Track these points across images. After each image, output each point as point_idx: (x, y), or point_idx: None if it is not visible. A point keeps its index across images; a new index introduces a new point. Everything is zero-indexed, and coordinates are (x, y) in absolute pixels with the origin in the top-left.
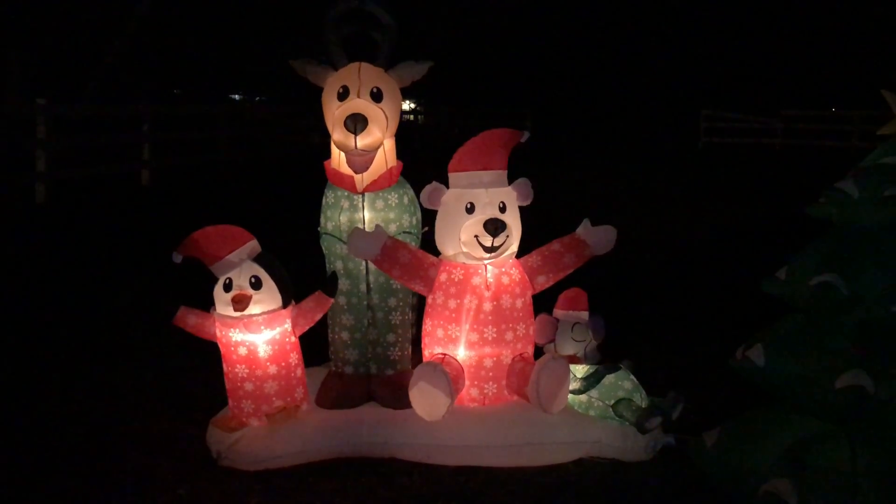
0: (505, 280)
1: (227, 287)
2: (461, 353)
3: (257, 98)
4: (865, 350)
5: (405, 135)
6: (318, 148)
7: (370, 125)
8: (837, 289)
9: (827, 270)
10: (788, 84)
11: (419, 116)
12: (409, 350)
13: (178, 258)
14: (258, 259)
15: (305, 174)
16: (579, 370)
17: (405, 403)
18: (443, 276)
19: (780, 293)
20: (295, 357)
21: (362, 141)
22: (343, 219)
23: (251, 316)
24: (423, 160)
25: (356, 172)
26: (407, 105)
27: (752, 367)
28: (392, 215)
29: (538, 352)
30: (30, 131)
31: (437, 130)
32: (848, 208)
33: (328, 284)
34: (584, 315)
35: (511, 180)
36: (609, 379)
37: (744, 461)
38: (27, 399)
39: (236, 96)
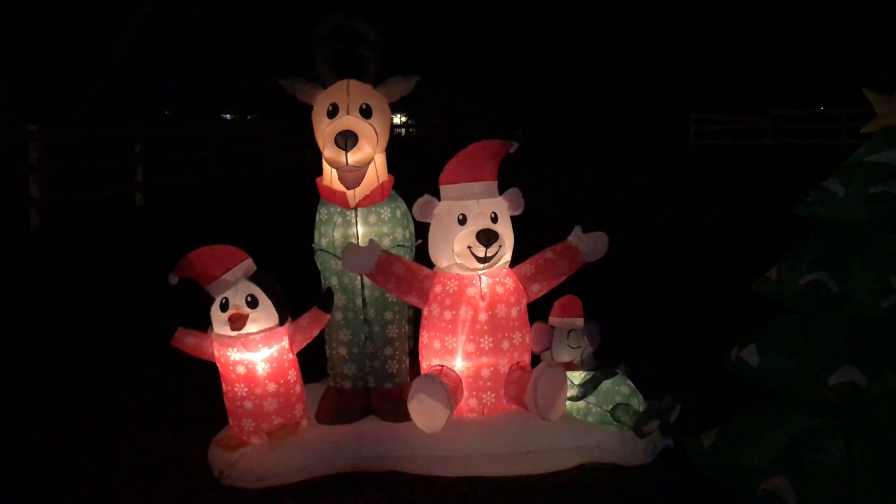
0: (499, 290)
1: (224, 307)
2: (458, 364)
3: (249, 116)
4: (857, 346)
5: (396, 148)
6: (310, 165)
7: (360, 141)
8: (828, 286)
9: (817, 269)
10: (777, 84)
11: (411, 130)
12: (407, 363)
13: (173, 279)
14: (254, 278)
15: (298, 191)
16: (576, 376)
17: (404, 416)
18: (437, 288)
19: (771, 293)
20: (293, 374)
21: (353, 157)
22: (337, 234)
23: (248, 335)
24: (415, 173)
25: (348, 188)
26: (398, 118)
27: (746, 367)
28: (385, 229)
29: (535, 360)
30: (22, 157)
31: (428, 143)
32: (835, 207)
33: (324, 300)
34: (580, 321)
35: (503, 189)
36: (606, 384)
37: (741, 461)
38: (27, 423)
39: (227, 115)
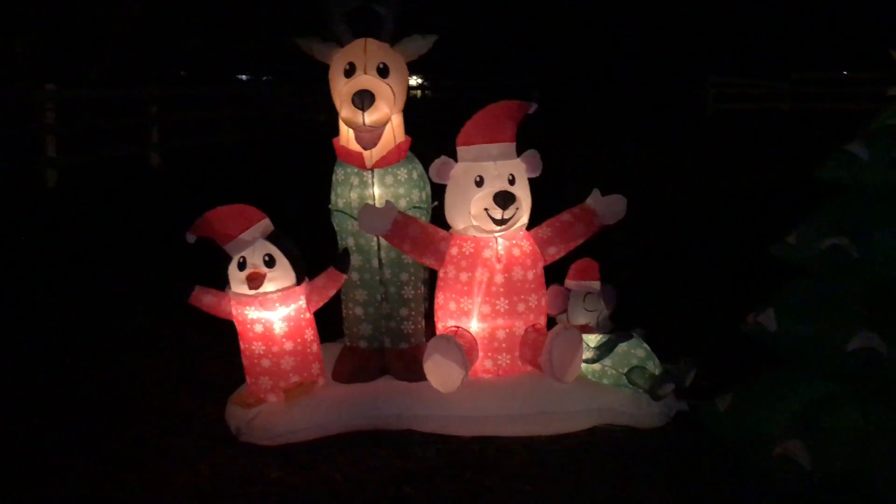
0: (516, 252)
1: (242, 266)
2: (474, 326)
3: (264, 78)
4: (876, 312)
5: (413, 109)
6: (324, 126)
7: (377, 101)
8: (848, 251)
9: (837, 233)
10: (797, 47)
11: (427, 91)
12: (423, 324)
13: (191, 238)
14: (271, 237)
15: (313, 152)
16: (592, 339)
17: (420, 376)
18: (454, 250)
19: (789, 257)
20: (310, 333)
21: (370, 117)
22: (353, 195)
23: (266, 293)
24: (432, 135)
25: (365, 148)
26: (414, 80)
27: (763, 332)
28: (402, 190)
29: (551, 322)
30: (38, 117)
31: (445, 105)
32: (857, 170)
33: (340, 261)
34: (596, 285)
35: (520, 152)
36: (622, 347)
37: (756, 424)
38: (47, 383)
39: (243, 76)
